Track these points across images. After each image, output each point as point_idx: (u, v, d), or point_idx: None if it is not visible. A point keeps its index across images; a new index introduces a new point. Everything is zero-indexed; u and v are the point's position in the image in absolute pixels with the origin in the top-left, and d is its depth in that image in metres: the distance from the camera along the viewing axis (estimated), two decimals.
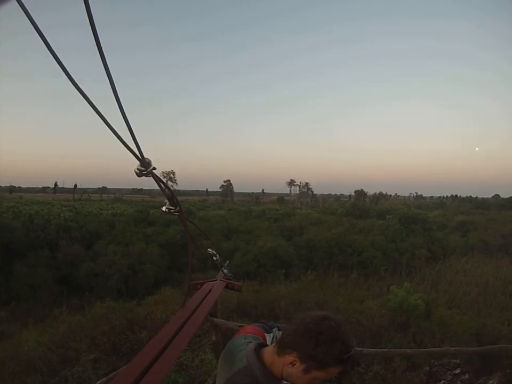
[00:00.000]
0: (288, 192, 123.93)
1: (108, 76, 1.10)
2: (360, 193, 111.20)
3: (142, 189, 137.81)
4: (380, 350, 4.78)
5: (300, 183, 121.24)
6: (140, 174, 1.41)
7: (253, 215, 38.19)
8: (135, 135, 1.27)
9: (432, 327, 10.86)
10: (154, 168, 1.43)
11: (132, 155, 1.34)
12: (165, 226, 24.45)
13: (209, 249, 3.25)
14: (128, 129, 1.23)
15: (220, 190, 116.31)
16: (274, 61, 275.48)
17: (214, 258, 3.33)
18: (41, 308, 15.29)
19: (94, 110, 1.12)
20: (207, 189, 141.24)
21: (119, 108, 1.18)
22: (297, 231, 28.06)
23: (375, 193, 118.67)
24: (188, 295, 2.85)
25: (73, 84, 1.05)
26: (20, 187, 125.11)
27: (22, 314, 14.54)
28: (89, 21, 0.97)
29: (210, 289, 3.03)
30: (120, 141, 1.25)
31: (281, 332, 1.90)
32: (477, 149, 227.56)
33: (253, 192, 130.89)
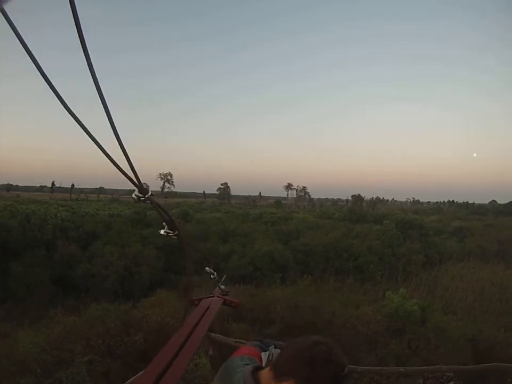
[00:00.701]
0: (286, 195, 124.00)
1: (103, 104, 1.12)
2: (357, 198, 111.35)
3: None
4: (373, 368, 4.81)
5: (297, 186, 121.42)
6: (138, 200, 1.46)
7: (250, 218, 38.24)
8: (132, 162, 1.30)
9: (427, 333, 10.87)
10: (152, 194, 1.47)
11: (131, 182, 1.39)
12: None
13: (206, 268, 3.32)
14: (125, 156, 1.26)
15: (217, 192, 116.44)
16: (271, 62, 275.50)
17: (212, 276, 3.40)
18: (37, 308, 15.22)
19: (90, 137, 1.14)
20: (204, 191, 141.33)
21: (115, 134, 1.19)
22: (294, 235, 28.05)
23: (372, 198, 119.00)
24: (186, 312, 3.06)
25: (69, 113, 1.06)
26: (17, 185, 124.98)
27: (18, 314, 14.49)
28: (79, 35, 0.96)
29: (208, 307, 3.09)
30: (118, 169, 1.29)
31: (277, 350, 1.98)
32: (474, 154, 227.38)
33: (250, 195, 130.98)
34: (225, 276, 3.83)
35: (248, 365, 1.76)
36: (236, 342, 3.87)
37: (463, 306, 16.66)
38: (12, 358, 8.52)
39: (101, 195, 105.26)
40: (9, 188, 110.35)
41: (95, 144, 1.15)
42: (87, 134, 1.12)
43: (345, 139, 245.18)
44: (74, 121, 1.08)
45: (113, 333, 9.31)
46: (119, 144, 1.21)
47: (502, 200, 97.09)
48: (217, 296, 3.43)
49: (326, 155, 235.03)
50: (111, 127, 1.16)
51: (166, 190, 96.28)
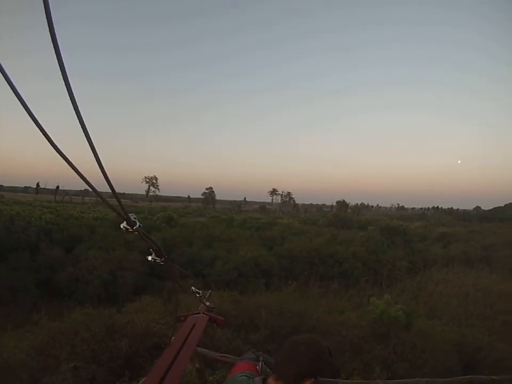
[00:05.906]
0: (270, 201, 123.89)
1: (88, 141, 1.13)
2: (342, 204, 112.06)
3: (124, 193, 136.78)
4: (354, 381, 4.96)
5: (282, 192, 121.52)
6: (126, 231, 1.56)
7: (234, 224, 38.50)
8: (118, 196, 1.40)
9: (412, 338, 10.94)
10: (140, 226, 1.58)
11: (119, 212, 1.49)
12: (146, 231, 24.15)
13: (192, 288, 3.40)
14: (112, 191, 1.34)
15: (202, 196, 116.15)
16: (259, 69, 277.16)
17: (198, 295, 3.47)
18: (21, 312, 15.02)
19: (78, 175, 1.16)
20: (189, 196, 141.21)
21: (102, 171, 1.22)
22: (279, 241, 28.17)
23: (357, 203, 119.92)
24: (174, 329, 3.28)
25: (61, 155, 1.09)
26: (1, 186, 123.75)
27: (1, 318, 14.26)
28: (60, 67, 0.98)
29: (194, 324, 3.20)
30: (107, 204, 1.45)
31: (263, 363, 2.25)
32: (459, 161, 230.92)
33: (235, 200, 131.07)
34: (210, 291, 3.91)
35: (250, 378, 1.99)
36: (222, 356, 4.00)
37: (447, 311, 16.77)
38: None
39: (85, 198, 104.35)
40: None
41: (83, 180, 1.18)
42: (75, 171, 1.13)
43: (331, 146, 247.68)
44: (61, 149, 1.09)
45: (98, 338, 9.21)
46: (106, 180, 1.25)
47: (486, 206, 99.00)
48: (203, 313, 3.51)
49: (311, 161, 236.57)
50: (98, 164, 1.18)
51: (151, 193, 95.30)
